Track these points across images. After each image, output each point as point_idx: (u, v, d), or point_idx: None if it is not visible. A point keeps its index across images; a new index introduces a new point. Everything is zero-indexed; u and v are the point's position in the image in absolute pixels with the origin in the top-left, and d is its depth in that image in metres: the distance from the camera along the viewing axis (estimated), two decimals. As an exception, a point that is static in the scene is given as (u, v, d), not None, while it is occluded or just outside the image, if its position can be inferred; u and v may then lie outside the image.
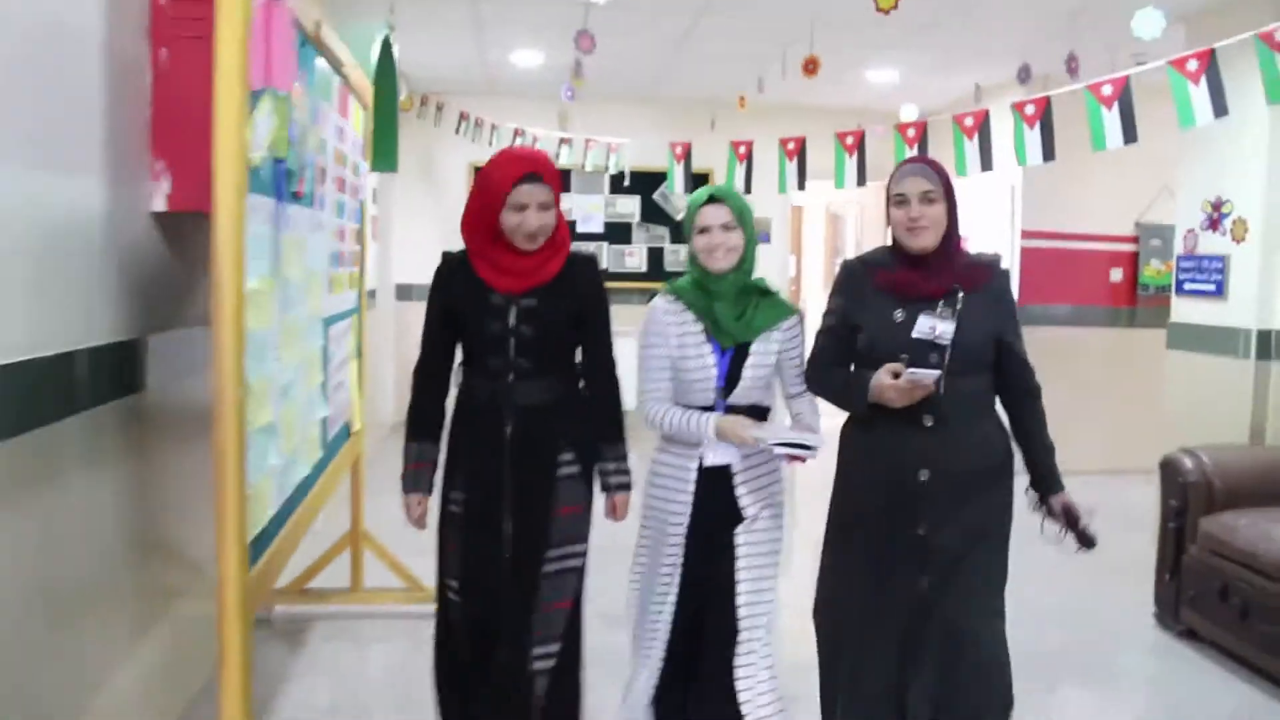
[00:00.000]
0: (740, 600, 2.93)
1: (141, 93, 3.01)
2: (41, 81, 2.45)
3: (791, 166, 6.14)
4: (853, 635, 2.92)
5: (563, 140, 7.69)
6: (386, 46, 5.11)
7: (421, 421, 2.97)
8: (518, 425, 2.86)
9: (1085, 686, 4.09)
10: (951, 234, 2.85)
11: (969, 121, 4.93)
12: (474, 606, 2.92)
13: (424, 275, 3.12)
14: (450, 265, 2.93)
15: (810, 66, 5.94)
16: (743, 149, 6.44)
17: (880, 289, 2.86)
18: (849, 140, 5.74)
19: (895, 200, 2.85)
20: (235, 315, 2.45)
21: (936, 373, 2.71)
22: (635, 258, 9.51)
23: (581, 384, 2.99)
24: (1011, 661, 2.94)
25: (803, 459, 2.80)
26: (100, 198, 2.75)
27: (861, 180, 5.75)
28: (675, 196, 9.20)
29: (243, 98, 2.44)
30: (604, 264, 9.30)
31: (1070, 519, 2.87)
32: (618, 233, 9.44)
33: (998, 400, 2.93)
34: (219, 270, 2.43)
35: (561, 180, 2.59)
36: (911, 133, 5.44)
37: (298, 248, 3.25)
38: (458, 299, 2.88)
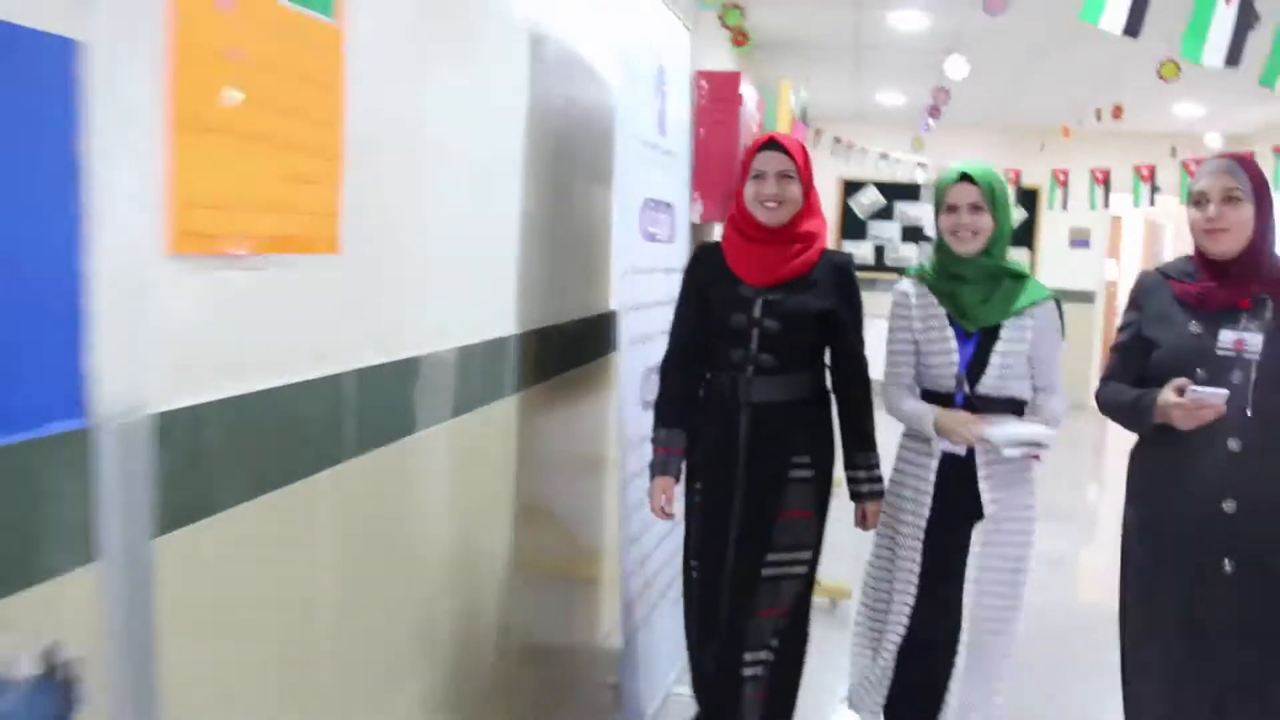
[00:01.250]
0: (965, 604, 2.81)
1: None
2: (670, 160, 4.86)
3: (1099, 190, 7.96)
4: (1160, 688, 2.58)
5: (919, 164, 9.74)
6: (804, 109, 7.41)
7: (669, 409, 2.92)
8: (753, 422, 2.78)
9: None
10: (1261, 238, 2.50)
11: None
12: (703, 596, 2.87)
13: None
14: (703, 254, 2.93)
15: (1116, 112, 7.73)
16: (1061, 176, 8.30)
17: (1178, 300, 2.55)
18: (1144, 172, 7.51)
19: (1195, 199, 2.53)
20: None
21: (1224, 392, 2.37)
22: (971, 258, 11.39)
23: (828, 386, 2.89)
24: None
25: (1039, 455, 2.69)
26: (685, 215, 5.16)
27: (1152, 200, 7.51)
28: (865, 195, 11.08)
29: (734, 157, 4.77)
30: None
31: None
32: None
33: None
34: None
35: (809, 164, 2.83)
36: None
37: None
38: (707, 287, 2.85)
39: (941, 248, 2.82)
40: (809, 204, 2.82)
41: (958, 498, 2.78)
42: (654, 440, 2.90)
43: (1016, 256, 2.95)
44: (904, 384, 2.86)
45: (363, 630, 1.99)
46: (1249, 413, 2.42)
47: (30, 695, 1.17)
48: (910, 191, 10.93)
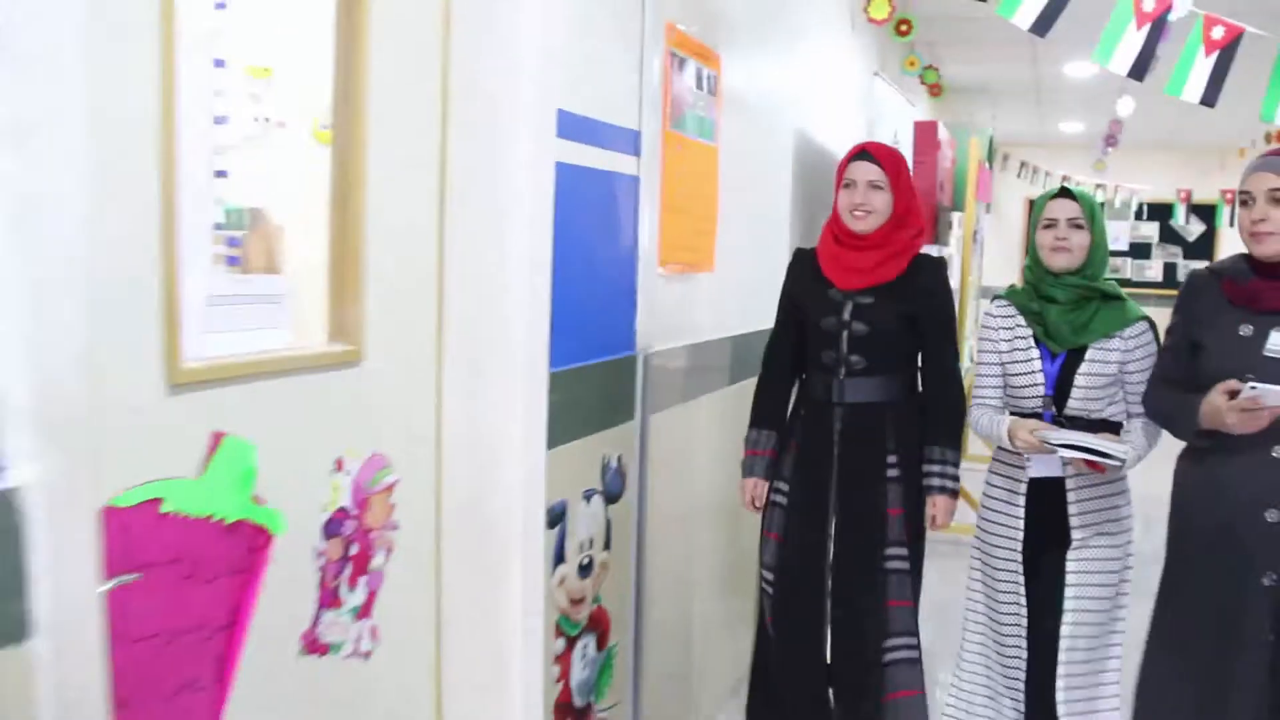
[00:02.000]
0: (1064, 631, 2.74)
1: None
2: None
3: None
4: (1187, 707, 2.53)
5: (1097, 185, 10.75)
6: (990, 142, 8.63)
7: (763, 410, 3.04)
8: (846, 422, 2.88)
9: None
10: None
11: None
12: (786, 598, 2.94)
13: (994, 279, 6.27)
14: (799, 259, 3.04)
15: (1278, 136, 8.61)
16: (1229, 195, 9.22)
17: (1228, 302, 2.49)
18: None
19: (1242, 199, 2.48)
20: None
21: (1271, 387, 2.29)
22: (1153, 270, 12.27)
23: (919, 389, 2.95)
24: None
25: (1102, 467, 2.61)
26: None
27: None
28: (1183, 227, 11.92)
29: (933, 191, 6.06)
30: (1126, 274, 12.17)
31: None
32: (1139, 251, 12.28)
33: None
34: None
35: (903, 174, 2.94)
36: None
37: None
38: (801, 291, 2.96)
39: (1035, 265, 2.83)
40: (901, 212, 2.90)
41: (1048, 524, 2.76)
42: (746, 441, 3.04)
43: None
44: (989, 404, 2.88)
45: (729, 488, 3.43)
46: None
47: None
48: (1092, 211, 11.95)
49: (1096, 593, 2.75)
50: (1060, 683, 2.74)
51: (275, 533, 1.75)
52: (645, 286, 2.78)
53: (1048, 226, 2.78)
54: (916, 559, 2.92)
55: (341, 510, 1.94)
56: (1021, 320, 2.81)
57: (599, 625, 2.66)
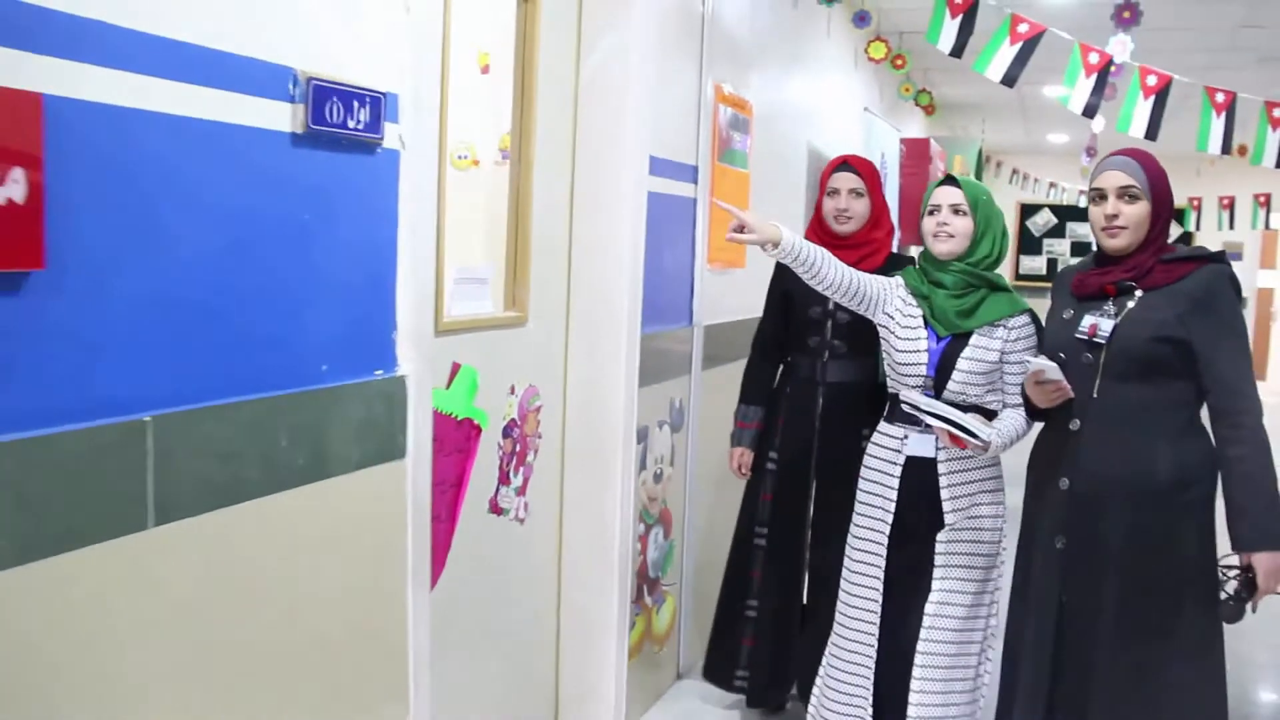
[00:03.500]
0: (927, 610, 2.81)
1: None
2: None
3: (1225, 214, 9.87)
4: (1010, 649, 2.78)
5: (1081, 190, 11.75)
6: (979, 153, 9.66)
7: (752, 387, 3.46)
8: (828, 399, 3.27)
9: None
10: (1156, 234, 2.53)
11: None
12: (775, 548, 3.38)
13: None
14: None
15: (1241, 151, 9.62)
16: (1195, 202, 10.24)
17: (1070, 290, 2.65)
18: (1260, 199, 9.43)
19: (1093, 196, 2.58)
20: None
21: (1049, 364, 2.53)
22: (1134, 268, 13.30)
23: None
24: None
25: (964, 444, 2.68)
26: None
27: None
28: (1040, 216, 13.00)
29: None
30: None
31: (1243, 583, 2.43)
32: (1121, 250, 13.29)
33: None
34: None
35: (878, 182, 3.33)
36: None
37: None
38: (791, 283, 3.19)
39: (926, 251, 2.91)
40: (876, 215, 3.31)
41: (921, 500, 2.84)
42: (736, 415, 3.47)
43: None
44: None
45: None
46: (1094, 395, 2.53)
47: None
48: (1080, 213, 12.91)
49: (962, 574, 2.83)
50: (918, 668, 2.81)
51: (484, 427, 2.79)
52: (699, 277, 3.81)
53: (931, 213, 2.88)
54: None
55: (512, 420, 2.97)
56: (914, 300, 2.91)
57: (666, 520, 3.70)
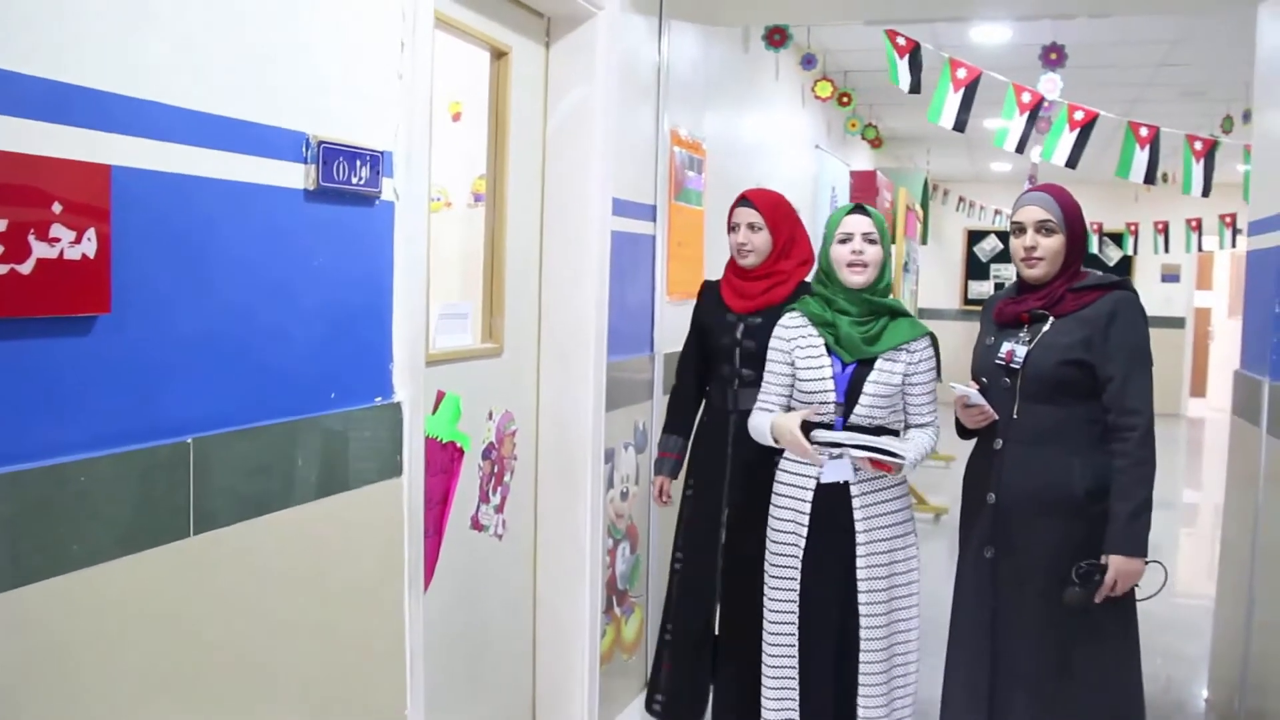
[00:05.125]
0: (862, 634, 2.92)
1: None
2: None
3: (1171, 237, 10.30)
4: (952, 657, 2.97)
5: (1022, 218, 12.21)
6: (925, 183, 10.05)
7: (674, 418, 3.55)
8: (739, 426, 3.23)
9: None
10: (1071, 264, 2.74)
11: None
12: (688, 573, 3.44)
13: (934, 300, 7.54)
14: (705, 289, 3.53)
15: (1168, 178, 10.08)
16: (1132, 227, 10.68)
17: (992, 318, 2.86)
18: (1227, 219, 9.85)
19: (1013, 229, 2.78)
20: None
21: (970, 390, 2.77)
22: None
23: None
24: None
25: (889, 467, 2.82)
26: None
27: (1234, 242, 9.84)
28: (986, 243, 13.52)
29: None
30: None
31: (1091, 575, 2.66)
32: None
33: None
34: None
35: (779, 215, 3.36)
36: None
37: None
38: (704, 314, 3.44)
39: (830, 281, 2.99)
40: (781, 246, 3.31)
41: (834, 525, 2.93)
42: (658, 444, 3.57)
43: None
44: (768, 409, 3.04)
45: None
46: (1014, 415, 2.74)
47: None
48: (1024, 239, 13.41)
49: (885, 596, 2.94)
50: (862, 679, 2.93)
51: (466, 450, 3.04)
52: (659, 308, 4.09)
53: (843, 241, 2.94)
54: None
55: (490, 443, 3.23)
56: (813, 330, 2.97)
57: (632, 535, 3.95)
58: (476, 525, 3.19)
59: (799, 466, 2.98)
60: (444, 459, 2.96)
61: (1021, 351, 2.72)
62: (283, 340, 2.05)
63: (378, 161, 2.27)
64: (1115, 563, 2.65)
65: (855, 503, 2.92)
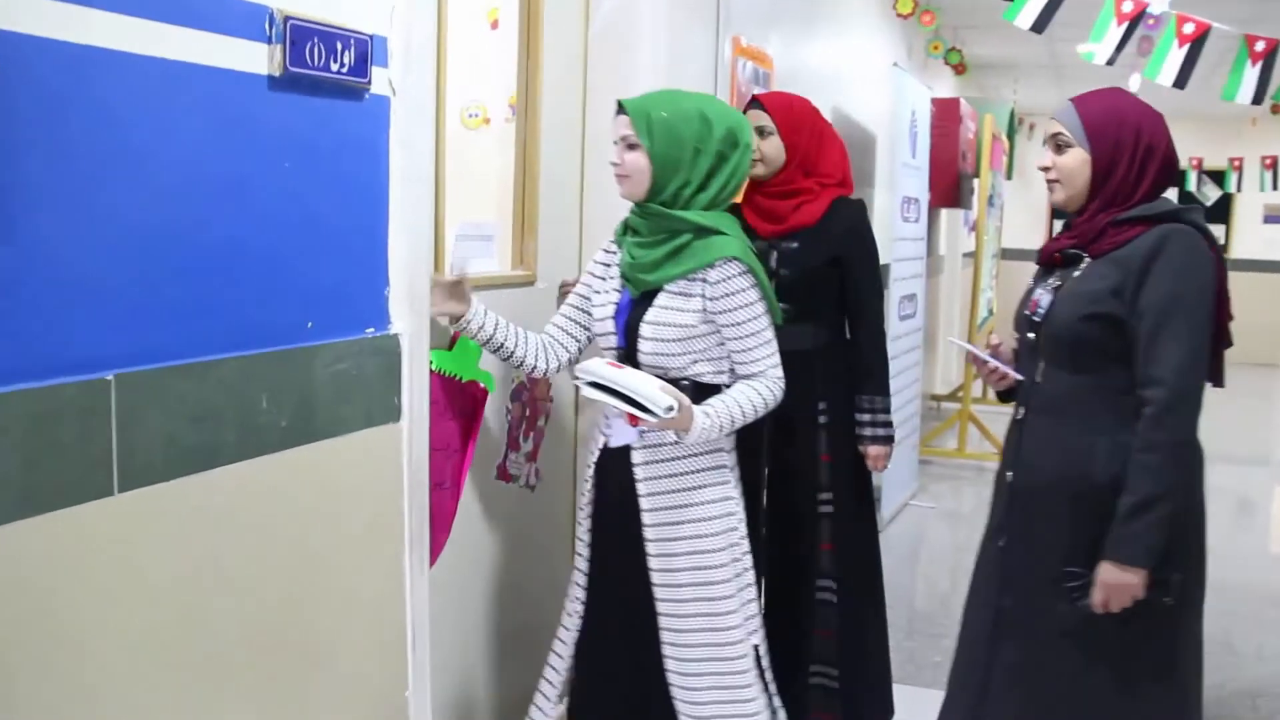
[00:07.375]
0: (664, 639, 2.36)
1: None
2: (917, 172, 7.05)
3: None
4: (955, 654, 2.45)
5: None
6: (1012, 115, 9.45)
7: None
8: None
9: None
10: (1107, 189, 2.14)
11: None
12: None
13: (1018, 240, 7.03)
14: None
15: (1276, 108, 9.36)
16: (1236, 162, 9.99)
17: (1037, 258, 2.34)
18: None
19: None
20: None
21: (970, 347, 2.42)
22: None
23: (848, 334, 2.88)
24: None
25: (636, 421, 2.15)
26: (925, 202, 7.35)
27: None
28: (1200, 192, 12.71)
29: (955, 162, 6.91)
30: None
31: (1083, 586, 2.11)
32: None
33: None
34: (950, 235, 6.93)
35: (796, 120, 2.85)
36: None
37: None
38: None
39: None
40: (800, 159, 2.81)
41: (618, 503, 2.39)
42: None
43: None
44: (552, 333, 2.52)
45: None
46: (1037, 379, 2.25)
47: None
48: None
49: (683, 580, 2.35)
50: (665, 649, 2.38)
51: (490, 390, 2.69)
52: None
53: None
54: (856, 505, 2.93)
55: (521, 383, 2.87)
56: (615, 250, 2.46)
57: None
58: (504, 475, 2.85)
59: (595, 428, 2.48)
60: (463, 401, 2.60)
61: (1046, 300, 2.21)
62: (240, 257, 1.69)
63: (365, 46, 1.89)
64: (1102, 571, 2.08)
65: (635, 457, 2.34)
